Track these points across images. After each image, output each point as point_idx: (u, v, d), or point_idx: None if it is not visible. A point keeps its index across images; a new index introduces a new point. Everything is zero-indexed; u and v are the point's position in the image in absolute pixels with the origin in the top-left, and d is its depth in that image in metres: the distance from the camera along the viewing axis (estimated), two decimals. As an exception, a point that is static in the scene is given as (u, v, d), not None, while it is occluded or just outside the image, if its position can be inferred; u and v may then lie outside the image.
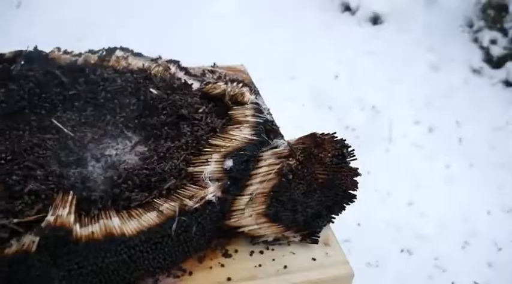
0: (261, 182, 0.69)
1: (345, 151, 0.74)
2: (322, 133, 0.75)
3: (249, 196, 0.67)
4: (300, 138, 0.74)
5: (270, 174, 0.69)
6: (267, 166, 0.71)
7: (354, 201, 0.74)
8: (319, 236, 0.71)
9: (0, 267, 0.57)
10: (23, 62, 0.94)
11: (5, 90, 0.86)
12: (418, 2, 3.12)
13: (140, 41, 1.06)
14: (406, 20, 2.98)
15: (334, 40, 2.73)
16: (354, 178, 0.74)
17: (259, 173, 0.71)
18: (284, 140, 0.78)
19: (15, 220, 0.61)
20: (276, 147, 0.76)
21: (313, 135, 0.74)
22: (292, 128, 0.99)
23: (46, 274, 0.57)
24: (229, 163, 0.71)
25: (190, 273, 0.64)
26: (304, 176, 0.70)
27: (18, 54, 0.97)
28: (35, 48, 0.99)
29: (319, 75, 2.43)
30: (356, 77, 2.45)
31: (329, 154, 0.72)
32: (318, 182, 0.71)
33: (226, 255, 0.67)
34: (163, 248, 0.62)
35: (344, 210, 0.75)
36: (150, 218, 0.64)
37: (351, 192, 0.74)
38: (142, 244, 0.61)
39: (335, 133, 0.76)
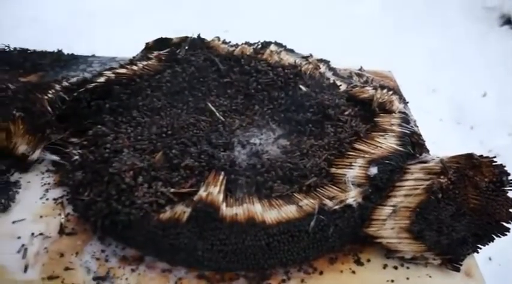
0: (406, 196, 0.66)
1: (504, 178, 0.67)
2: (481, 156, 0.69)
3: (392, 208, 0.65)
4: (454, 157, 0.69)
5: (418, 189, 0.66)
6: (414, 180, 0.68)
7: (506, 234, 0.68)
8: (461, 264, 0.66)
9: (155, 229, 0.63)
10: (187, 47, 1.02)
11: (171, 71, 0.94)
12: None
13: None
14: None
15: (486, 54, 2.49)
16: (510, 210, 0.67)
17: (404, 186, 0.68)
18: (435, 156, 0.73)
19: (172, 190, 0.67)
20: (425, 162, 0.72)
21: (469, 156, 0.69)
22: (427, 143, 0.93)
23: (192, 244, 0.62)
24: (373, 170, 0.69)
25: (321, 272, 0.64)
26: (455, 197, 0.65)
27: (184, 39, 1.06)
28: (198, 35, 1.08)
29: (464, 90, 2.24)
30: (507, 98, 2.21)
31: (486, 179, 0.67)
32: (469, 206, 0.65)
33: (358, 262, 0.66)
34: (299, 243, 0.63)
35: (492, 241, 0.68)
36: (289, 211, 0.65)
37: (504, 223, 0.67)
38: (280, 234, 0.62)
39: (495, 157, 0.69)
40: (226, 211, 0.63)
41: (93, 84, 0.87)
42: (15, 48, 1.17)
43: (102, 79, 0.88)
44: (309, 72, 0.96)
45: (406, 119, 0.86)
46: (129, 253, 0.66)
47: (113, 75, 0.90)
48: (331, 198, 0.67)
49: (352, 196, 0.67)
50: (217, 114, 0.87)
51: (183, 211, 0.64)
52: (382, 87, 0.91)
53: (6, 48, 1.17)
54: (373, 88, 0.92)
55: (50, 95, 0.85)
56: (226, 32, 1.39)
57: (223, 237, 0.62)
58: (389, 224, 0.64)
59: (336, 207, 0.65)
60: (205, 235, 0.62)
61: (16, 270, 0.63)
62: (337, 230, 0.65)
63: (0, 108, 0.78)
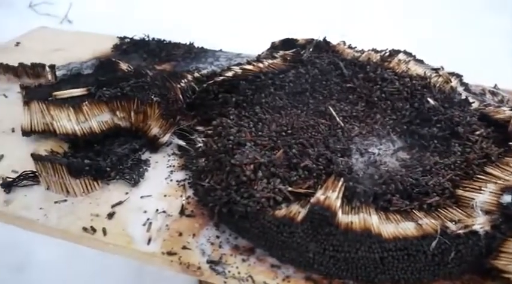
0: (545, 232, 0.60)
1: None
2: None
3: (526, 243, 0.59)
4: None
5: (560, 226, 0.59)
6: (556, 216, 0.61)
7: None
8: None
9: (270, 224, 0.65)
10: (311, 49, 1.03)
11: (295, 72, 0.96)
12: None
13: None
14: None
15: None
16: None
17: (543, 221, 0.62)
18: None
19: (289, 188, 0.68)
20: None
21: None
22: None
23: (304, 245, 0.62)
24: (507, 198, 0.64)
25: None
26: None
27: (310, 41, 1.07)
28: (324, 38, 1.08)
29: None
30: None
31: None
32: None
33: (481, 296, 0.61)
34: (415, 263, 0.60)
35: None
36: (407, 228, 0.63)
37: None
38: (396, 250, 0.60)
39: None
40: (342, 217, 0.63)
41: (221, 78, 0.92)
42: (153, 38, 1.28)
43: (230, 73, 0.93)
44: (438, 85, 0.91)
45: (547, 147, 0.78)
46: (241, 243, 0.68)
47: (240, 70, 0.93)
48: (454, 221, 0.63)
49: (480, 223, 0.62)
50: (337, 118, 0.86)
51: (298, 210, 0.65)
52: (522, 109, 0.83)
53: (145, 37, 1.29)
54: (511, 110, 0.84)
55: (182, 84, 0.92)
56: (342, 36, 1.38)
57: (337, 243, 0.61)
58: (521, 260, 0.59)
59: (460, 232, 0.61)
60: (318, 238, 0.62)
61: (141, 242, 0.69)
62: (458, 257, 0.61)
63: (140, 92, 0.86)
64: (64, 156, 0.83)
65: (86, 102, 0.85)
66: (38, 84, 0.97)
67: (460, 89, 0.93)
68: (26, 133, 0.89)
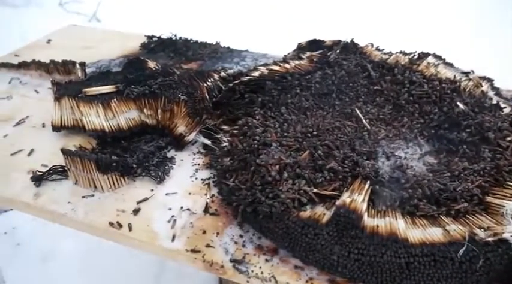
0: None
1: None
2: None
3: (559, 253, 0.57)
4: None
5: None
6: None
7: None
8: None
9: (294, 225, 0.64)
10: (338, 51, 1.02)
11: (322, 73, 0.95)
12: None
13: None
14: None
15: None
16: None
17: None
18: None
19: (314, 190, 0.68)
20: None
21: None
22: None
23: (329, 247, 0.62)
24: (539, 207, 0.62)
25: (462, 307, 0.59)
26: None
27: (337, 42, 1.06)
28: (352, 40, 1.07)
29: None
30: None
31: None
32: None
33: (507, 306, 0.60)
34: (442, 269, 0.59)
35: None
36: (435, 233, 0.62)
37: None
38: (422, 256, 0.59)
39: None
40: (368, 221, 0.62)
41: (248, 77, 0.92)
42: (180, 37, 1.29)
43: (256, 73, 0.93)
44: (468, 89, 0.89)
45: None
46: (265, 244, 0.68)
47: (266, 71, 0.93)
48: (483, 228, 0.61)
49: (510, 231, 0.60)
50: (364, 121, 0.85)
51: (323, 212, 0.65)
52: (558, 116, 0.80)
53: (173, 36, 1.30)
54: (544, 115, 0.82)
55: (209, 83, 0.92)
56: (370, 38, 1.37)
57: (362, 247, 0.60)
58: (553, 271, 0.57)
59: (489, 239, 0.60)
60: (343, 241, 0.61)
61: (165, 238, 0.69)
62: (487, 265, 0.60)
63: (167, 91, 0.87)
64: (92, 151, 0.85)
65: (114, 99, 0.86)
66: (69, 81, 1.00)
67: (491, 94, 0.91)
68: (56, 128, 0.91)
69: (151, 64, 0.97)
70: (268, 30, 2.54)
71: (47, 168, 0.81)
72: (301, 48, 1.08)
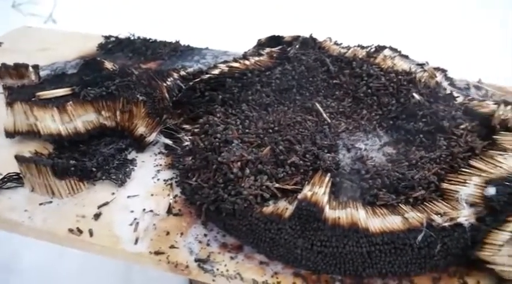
0: (529, 223, 0.60)
1: None
2: None
3: (510, 234, 0.60)
4: None
5: (544, 217, 0.60)
6: (539, 207, 0.62)
7: None
8: None
9: (257, 221, 0.64)
10: (298, 46, 1.03)
11: (282, 69, 0.95)
12: None
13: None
14: None
15: None
16: None
17: (527, 212, 0.62)
18: None
19: (276, 185, 0.68)
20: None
21: None
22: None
23: (292, 241, 0.62)
24: (491, 190, 0.64)
25: (423, 291, 0.61)
26: None
27: (296, 38, 1.07)
28: (311, 35, 1.08)
29: None
30: None
31: None
32: None
33: (465, 287, 0.62)
34: (402, 256, 0.61)
35: None
36: (394, 221, 0.63)
37: None
38: (383, 244, 0.60)
39: None
40: (329, 213, 0.63)
41: (208, 75, 0.92)
42: (138, 37, 1.27)
43: (216, 71, 0.92)
44: (423, 80, 0.91)
45: (531, 140, 0.79)
46: (229, 241, 0.68)
47: (226, 68, 0.93)
48: (440, 214, 0.63)
49: (465, 215, 0.63)
50: (324, 114, 0.86)
51: (285, 207, 0.65)
52: (506, 103, 0.84)
53: (131, 36, 1.28)
54: (495, 104, 0.85)
55: (168, 82, 0.91)
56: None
57: (324, 239, 0.61)
58: (505, 251, 0.59)
59: (446, 224, 0.62)
60: (306, 234, 0.62)
61: (128, 241, 0.68)
62: (444, 249, 0.62)
63: (125, 91, 0.85)
64: (49, 157, 0.82)
65: (71, 102, 0.84)
66: (21, 85, 0.96)
67: (445, 84, 0.94)
68: (10, 134, 0.88)
69: (108, 65, 0.95)
70: (229, 28, 2.53)
71: (1, 176, 0.78)
72: (260, 45, 1.08)
